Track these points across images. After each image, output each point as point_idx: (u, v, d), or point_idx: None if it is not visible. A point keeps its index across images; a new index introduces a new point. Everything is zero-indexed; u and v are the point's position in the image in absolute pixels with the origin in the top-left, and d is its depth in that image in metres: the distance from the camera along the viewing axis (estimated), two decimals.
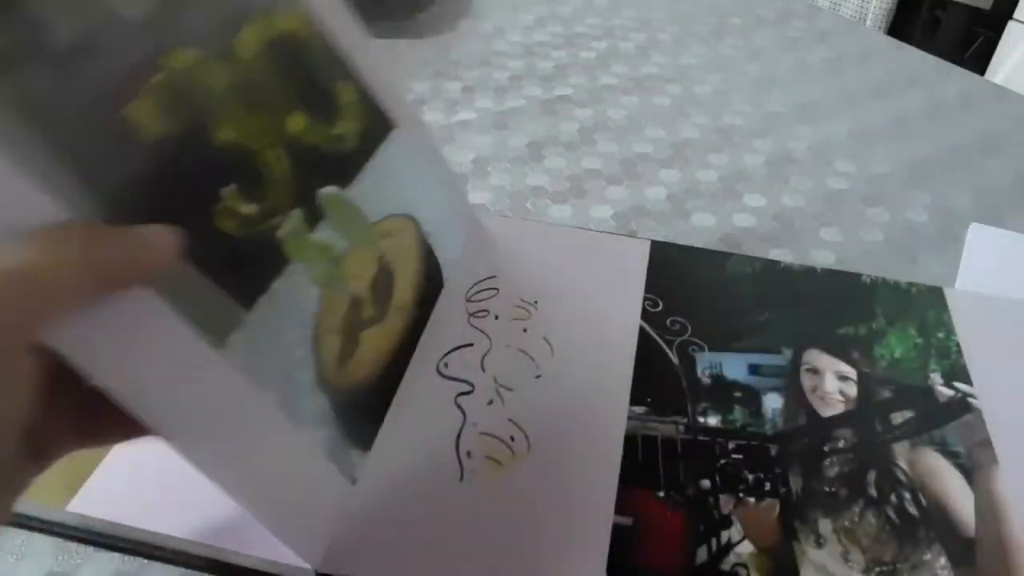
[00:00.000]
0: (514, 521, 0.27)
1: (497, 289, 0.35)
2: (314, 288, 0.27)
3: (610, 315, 0.35)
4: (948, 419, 0.31)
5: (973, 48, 1.48)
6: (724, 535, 0.27)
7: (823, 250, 0.40)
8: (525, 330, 0.34)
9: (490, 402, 0.30)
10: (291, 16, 0.29)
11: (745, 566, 0.26)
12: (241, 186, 0.25)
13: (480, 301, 0.35)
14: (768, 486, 0.28)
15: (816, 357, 0.33)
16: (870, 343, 0.34)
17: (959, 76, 0.58)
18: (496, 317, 0.34)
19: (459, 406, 0.30)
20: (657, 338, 0.34)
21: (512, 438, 0.29)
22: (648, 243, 0.39)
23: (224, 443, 0.22)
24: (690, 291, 0.36)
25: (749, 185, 0.45)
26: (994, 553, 0.27)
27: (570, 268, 0.37)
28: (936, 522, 0.28)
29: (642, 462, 0.29)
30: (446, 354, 0.32)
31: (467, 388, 0.31)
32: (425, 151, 0.36)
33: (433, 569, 0.25)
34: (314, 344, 0.26)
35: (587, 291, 0.36)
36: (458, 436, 0.29)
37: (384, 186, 0.32)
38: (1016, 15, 1.41)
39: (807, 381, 0.32)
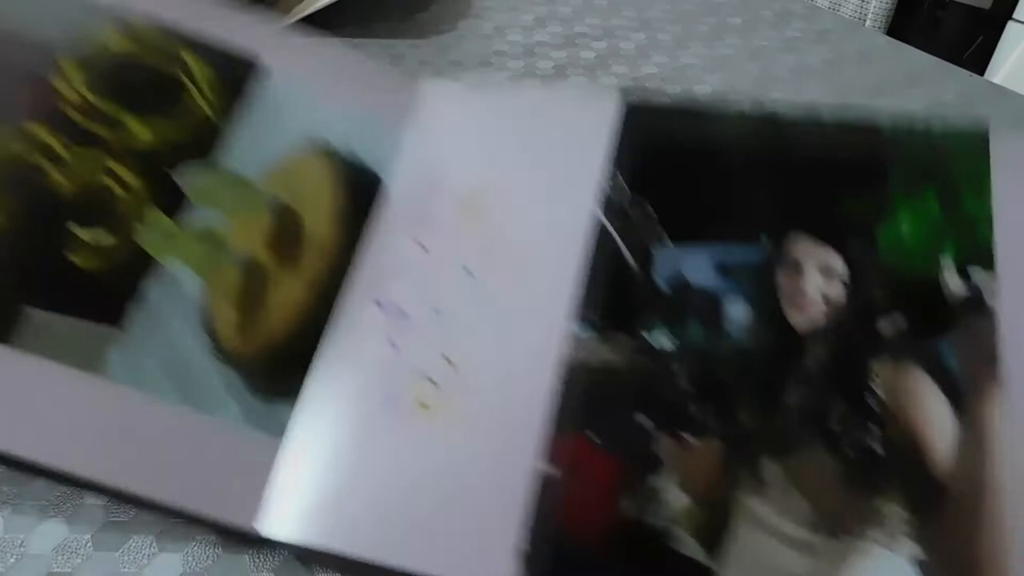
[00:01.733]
0: (439, 471, 0.25)
1: (440, 185, 0.32)
2: (193, 275, 0.28)
3: (562, 204, 0.30)
4: (949, 324, 0.26)
5: (973, 48, 1.48)
6: (658, 484, 0.24)
7: None
8: (467, 237, 0.30)
9: (423, 333, 0.28)
10: (102, 37, 0.31)
11: (678, 521, 0.24)
12: (89, 219, 0.27)
13: (422, 204, 0.31)
14: (714, 422, 0.25)
15: (800, 247, 0.28)
16: (872, 221, 0.28)
17: (959, 76, 0.58)
18: (438, 223, 0.30)
19: (390, 341, 0.28)
20: (614, 233, 0.29)
21: (444, 374, 0.27)
22: (615, 102, 0.32)
23: (130, 454, 0.23)
24: (661, 161, 0.31)
25: None
26: (967, 495, 0.23)
27: (522, 146, 0.32)
28: (901, 462, 0.24)
29: (578, 397, 0.26)
30: (381, 278, 0.29)
31: (401, 317, 0.28)
32: (313, 69, 0.33)
33: (358, 521, 0.24)
34: (206, 325, 0.27)
35: (538, 175, 0.32)
36: (387, 374, 0.27)
37: (264, 130, 0.31)
38: (1016, 15, 1.41)
39: (784, 282, 0.28)
